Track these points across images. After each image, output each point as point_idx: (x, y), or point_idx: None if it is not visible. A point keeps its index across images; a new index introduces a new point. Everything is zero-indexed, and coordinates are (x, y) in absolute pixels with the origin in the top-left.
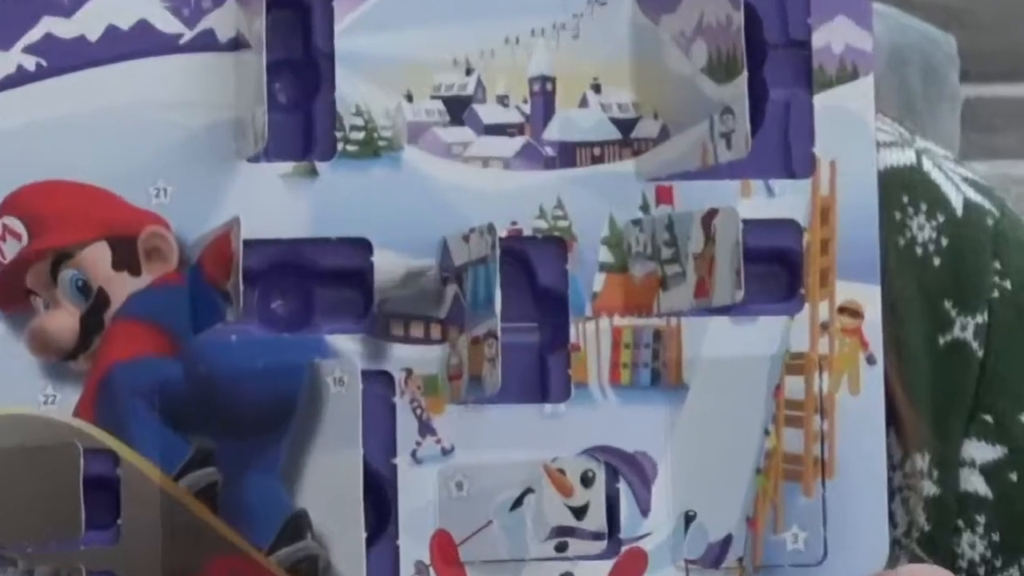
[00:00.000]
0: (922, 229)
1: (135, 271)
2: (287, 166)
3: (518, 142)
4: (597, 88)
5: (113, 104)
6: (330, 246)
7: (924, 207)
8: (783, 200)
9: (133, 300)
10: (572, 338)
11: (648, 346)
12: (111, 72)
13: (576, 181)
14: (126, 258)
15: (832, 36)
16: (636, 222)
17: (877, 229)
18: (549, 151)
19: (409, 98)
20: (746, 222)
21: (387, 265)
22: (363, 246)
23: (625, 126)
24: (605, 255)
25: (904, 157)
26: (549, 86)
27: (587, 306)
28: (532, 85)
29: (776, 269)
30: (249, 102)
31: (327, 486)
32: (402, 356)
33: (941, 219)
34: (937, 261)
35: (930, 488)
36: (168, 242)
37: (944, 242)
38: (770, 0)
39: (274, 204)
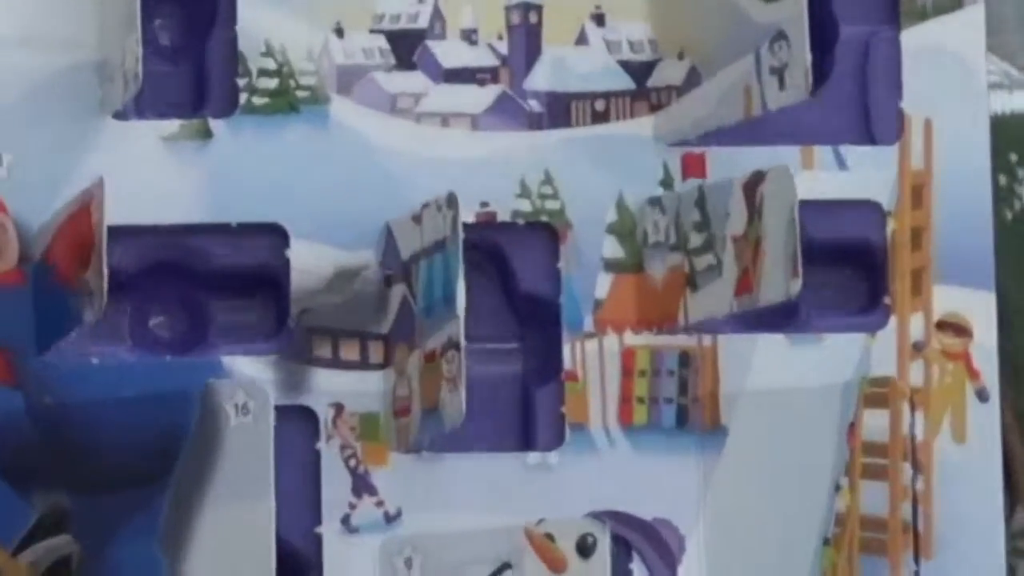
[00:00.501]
0: None
1: None
2: (171, 125)
3: (490, 93)
4: (600, 19)
5: None
6: (230, 235)
7: None
8: (860, 174)
9: None
10: (567, 363)
11: (673, 373)
12: None
13: (571, 145)
14: None
15: None
16: (655, 201)
17: (991, 214)
18: (534, 105)
19: (339, 32)
20: (807, 203)
21: (309, 261)
22: (276, 234)
23: (639, 71)
24: (612, 248)
25: (1014, 102)
26: (533, 15)
27: (587, 319)
28: (510, 15)
29: (850, 270)
30: (118, 37)
31: (224, 552)
32: (330, 387)
33: None
34: None
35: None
36: (4, 230)
37: None
38: None
39: (153, 177)
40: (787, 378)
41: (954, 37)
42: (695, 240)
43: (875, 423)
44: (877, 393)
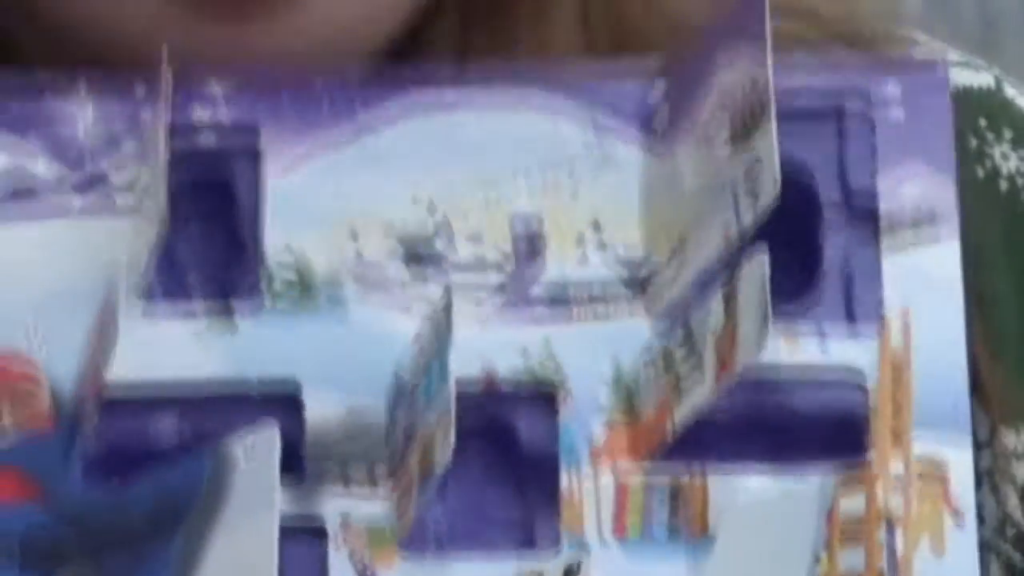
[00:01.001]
0: (1007, 159)
1: None
2: (199, 322)
3: (493, 279)
4: (596, 226)
5: None
6: (248, 404)
7: (1009, 135)
8: (843, 355)
9: None
10: (564, 489)
11: (663, 503)
12: None
13: (571, 326)
14: None
15: (903, 182)
16: (647, 348)
17: (965, 376)
18: (537, 292)
19: (354, 236)
20: (794, 378)
21: (323, 407)
22: (291, 405)
23: (633, 267)
24: (608, 400)
25: (979, 79)
26: (535, 224)
27: (585, 457)
28: (514, 223)
29: (833, 430)
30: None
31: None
32: (338, 501)
33: None
34: None
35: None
36: (38, 387)
37: None
38: (827, 153)
39: (181, 361)
40: (772, 495)
41: (930, 261)
42: (679, 356)
43: (852, 505)
44: (851, 477)
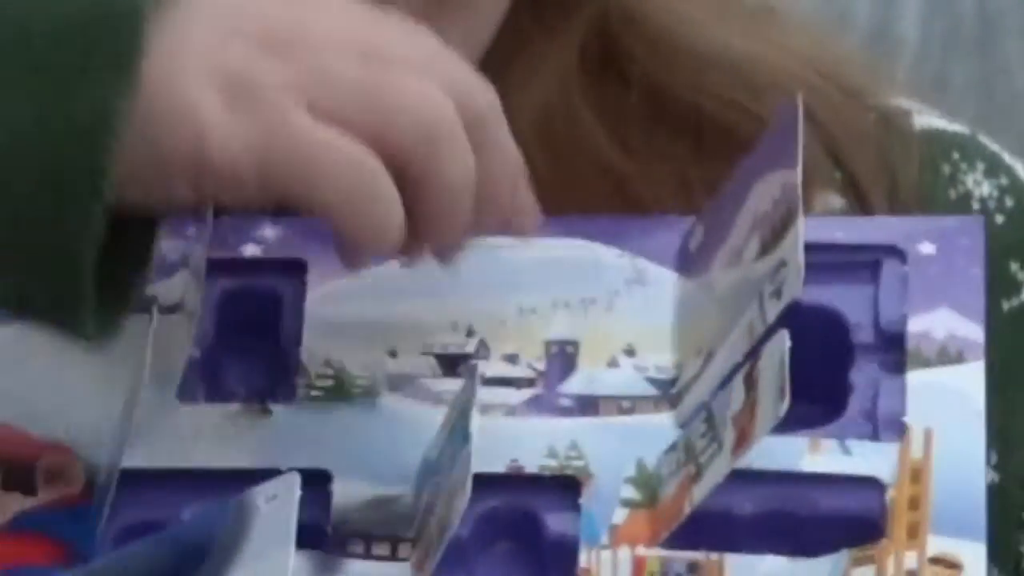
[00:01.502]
0: (979, 185)
1: (29, 491)
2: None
3: (525, 393)
4: (631, 352)
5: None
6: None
7: (982, 166)
8: (862, 459)
9: (22, 517)
10: (583, 567)
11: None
12: None
13: (598, 426)
14: (19, 480)
15: (933, 325)
16: (672, 447)
17: (983, 485)
18: (565, 402)
19: (393, 354)
20: (814, 477)
21: (350, 491)
22: (321, 477)
23: (663, 384)
24: (630, 492)
25: (954, 126)
26: (570, 348)
27: (603, 536)
28: (549, 348)
29: (850, 528)
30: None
31: None
32: (361, 571)
33: (1005, 181)
34: (1000, 219)
35: (988, 474)
36: (72, 467)
37: (1009, 202)
38: (863, 303)
39: (212, 448)
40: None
41: (955, 379)
42: (700, 445)
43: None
44: (864, 555)
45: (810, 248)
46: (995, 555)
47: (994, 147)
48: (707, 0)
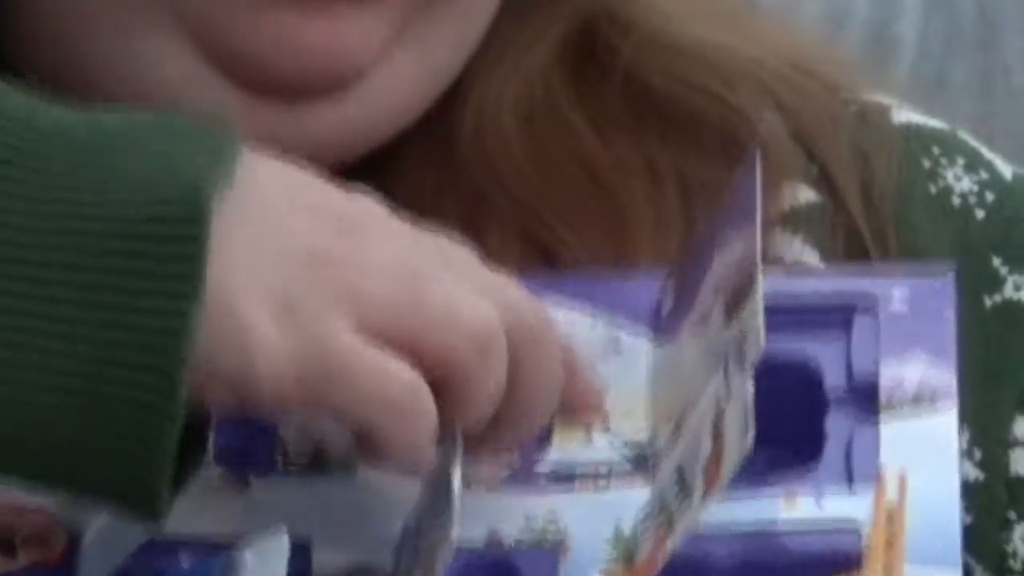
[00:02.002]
0: (959, 180)
1: (8, 554)
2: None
3: (504, 468)
4: (606, 426)
5: None
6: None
7: (962, 161)
8: (836, 507)
9: None
10: None
11: None
12: None
13: (575, 496)
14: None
15: (905, 371)
16: (646, 506)
17: (959, 527)
18: (542, 480)
19: None
20: (790, 527)
21: (329, 560)
22: (300, 548)
23: (636, 448)
24: (608, 552)
25: (934, 122)
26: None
27: None
28: None
29: (825, 569)
30: None
31: None
32: None
33: (985, 176)
34: (981, 214)
35: (972, 472)
36: (54, 532)
37: (990, 197)
38: (834, 349)
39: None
40: None
41: (929, 427)
42: (673, 502)
43: None
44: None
45: (780, 303)
46: (979, 554)
47: (974, 142)
48: None
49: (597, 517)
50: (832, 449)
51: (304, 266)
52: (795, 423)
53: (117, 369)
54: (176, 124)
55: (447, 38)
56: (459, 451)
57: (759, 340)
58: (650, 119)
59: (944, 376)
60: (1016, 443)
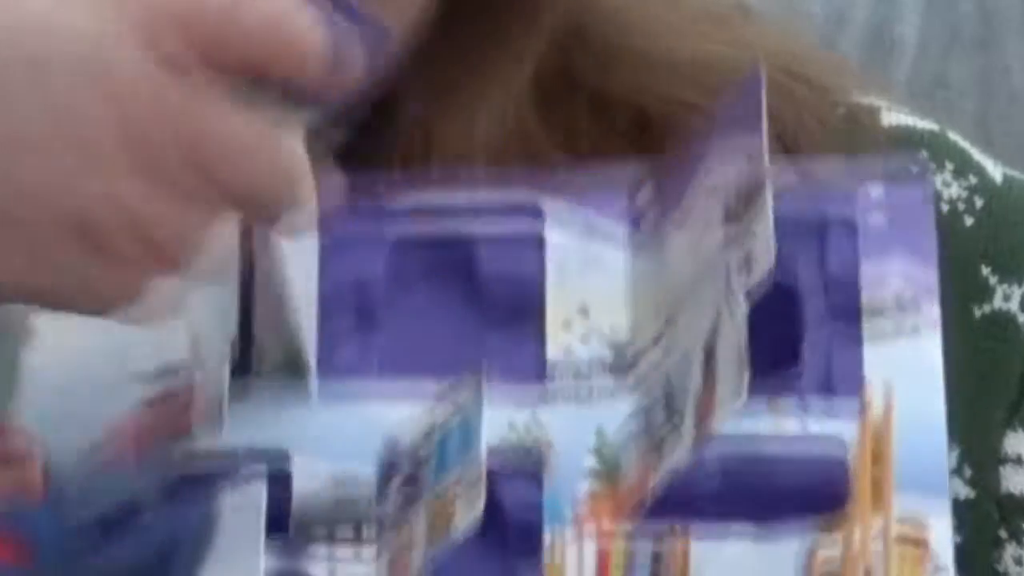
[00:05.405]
0: (948, 186)
1: None
2: None
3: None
4: (584, 312)
5: None
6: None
7: (950, 166)
8: (821, 419)
9: None
10: (547, 554)
11: (645, 568)
12: None
13: (554, 395)
14: None
15: (886, 270)
16: (631, 416)
17: (944, 446)
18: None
19: None
20: (774, 438)
21: (310, 471)
22: (278, 457)
23: (619, 348)
24: (592, 462)
25: (923, 123)
26: None
27: (568, 521)
28: None
29: (813, 481)
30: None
31: None
32: (324, 562)
33: (974, 180)
34: (969, 221)
35: (962, 490)
36: (30, 454)
37: (979, 203)
38: (810, 252)
39: None
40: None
41: (913, 345)
42: (659, 419)
43: (831, 566)
44: (829, 527)
45: None
46: (970, 573)
47: (964, 144)
48: (664, 7)
49: (580, 422)
50: (814, 358)
51: None
52: (771, 330)
53: None
54: None
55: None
56: (484, 399)
57: (768, 243)
58: (621, 136)
59: (926, 280)
60: (1006, 460)
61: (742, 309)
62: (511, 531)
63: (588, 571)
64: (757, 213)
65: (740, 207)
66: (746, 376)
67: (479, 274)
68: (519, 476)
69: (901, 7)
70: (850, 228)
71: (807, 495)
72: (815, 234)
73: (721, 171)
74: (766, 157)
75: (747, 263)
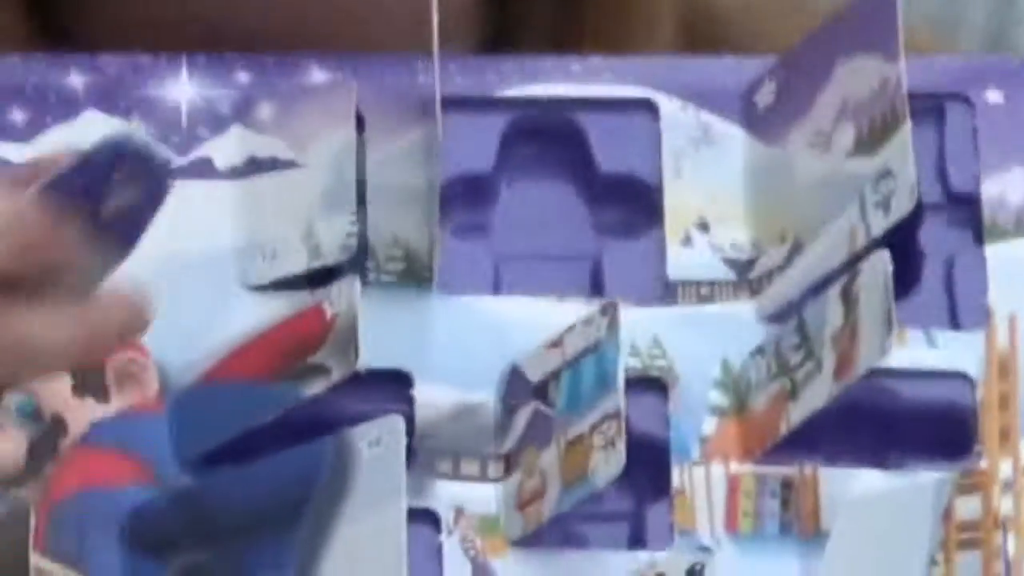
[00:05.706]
0: None
1: (102, 398)
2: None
3: None
4: (704, 226)
5: None
6: (359, 383)
7: None
8: (949, 352)
9: (98, 428)
10: (676, 484)
11: (775, 495)
12: None
13: (678, 318)
14: (91, 384)
15: (1007, 187)
16: (757, 350)
17: None
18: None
19: None
20: (901, 372)
21: (432, 399)
22: (401, 381)
23: (742, 267)
24: (717, 398)
25: None
26: None
27: (695, 450)
28: None
29: (941, 425)
30: (260, 226)
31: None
32: (451, 493)
33: None
34: None
35: None
36: (145, 368)
37: None
38: (928, 156)
39: None
40: (884, 491)
41: None
42: (794, 358)
43: (968, 506)
44: (968, 483)
45: None
46: None
47: None
48: None
49: (703, 346)
50: (936, 282)
51: None
52: (891, 241)
53: None
54: None
55: None
56: (619, 330)
57: (911, 189)
58: None
59: None
60: None
61: (887, 265)
62: (637, 451)
63: (718, 502)
64: (897, 152)
65: (876, 137)
66: (893, 335)
67: (595, 171)
68: (643, 395)
69: (1020, 10)
70: (969, 130)
71: (934, 424)
72: (933, 135)
73: (855, 90)
74: (905, 88)
75: (886, 203)
